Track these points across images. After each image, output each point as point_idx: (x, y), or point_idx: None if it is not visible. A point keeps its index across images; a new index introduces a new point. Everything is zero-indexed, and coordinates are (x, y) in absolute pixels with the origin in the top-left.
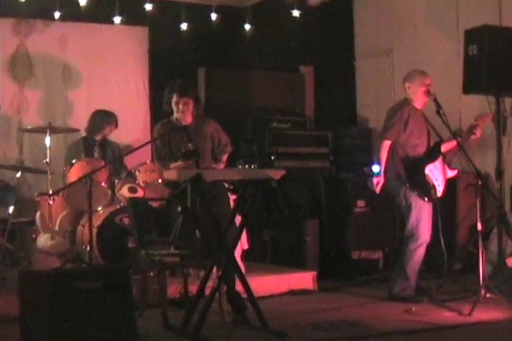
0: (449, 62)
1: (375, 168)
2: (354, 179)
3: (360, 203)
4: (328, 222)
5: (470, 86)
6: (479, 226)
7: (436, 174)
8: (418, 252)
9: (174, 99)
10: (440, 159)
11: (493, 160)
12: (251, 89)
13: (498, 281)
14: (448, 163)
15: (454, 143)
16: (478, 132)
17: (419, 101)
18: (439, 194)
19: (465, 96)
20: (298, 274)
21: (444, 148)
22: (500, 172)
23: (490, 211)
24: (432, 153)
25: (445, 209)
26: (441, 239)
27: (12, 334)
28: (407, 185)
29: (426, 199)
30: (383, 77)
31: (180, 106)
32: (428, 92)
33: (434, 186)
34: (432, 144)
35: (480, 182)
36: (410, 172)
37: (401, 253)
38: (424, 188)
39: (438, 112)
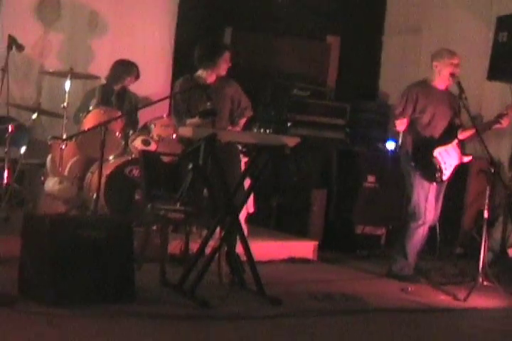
0: (476, 47)
1: (389, 145)
2: (367, 153)
3: (371, 178)
4: (336, 194)
5: (495, 72)
6: (486, 214)
7: (446, 157)
8: (419, 232)
9: (225, 55)
10: (454, 144)
11: (508, 149)
12: (275, 54)
13: (497, 269)
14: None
15: (473, 131)
16: (504, 122)
17: (441, 81)
18: (444, 177)
19: (488, 83)
20: (299, 242)
21: (462, 135)
22: None
23: (498, 199)
24: (446, 137)
25: (453, 193)
26: (437, 223)
27: (12, 276)
28: (412, 164)
29: (428, 180)
30: (409, 54)
31: (228, 63)
32: (453, 74)
33: (440, 168)
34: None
35: (492, 169)
36: (418, 151)
37: (403, 231)
38: (429, 169)
39: (460, 96)
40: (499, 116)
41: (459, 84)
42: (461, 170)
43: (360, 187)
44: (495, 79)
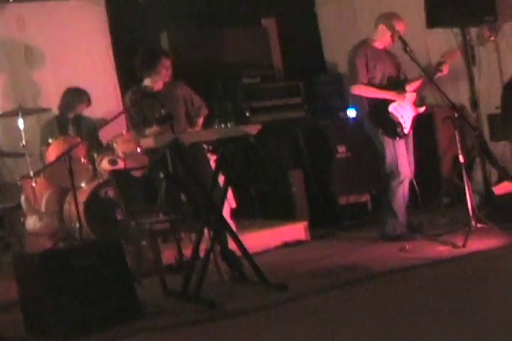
0: None
1: (351, 113)
2: (331, 125)
3: (341, 148)
4: (311, 171)
5: (433, 20)
6: (461, 158)
7: (401, 111)
8: (401, 188)
9: (163, 62)
10: (406, 95)
11: (467, 91)
12: (215, 47)
13: (487, 210)
14: (416, 100)
15: (419, 81)
16: (444, 69)
17: (382, 42)
18: (405, 131)
19: (430, 31)
20: (289, 226)
21: (410, 87)
22: (475, 103)
23: (470, 141)
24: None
25: (425, 144)
26: (414, 179)
27: (15, 319)
28: (372, 124)
29: (391, 136)
30: (345, 18)
31: (168, 69)
32: (394, 37)
33: (399, 123)
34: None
35: (456, 115)
36: (374, 110)
37: (386, 192)
38: (389, 126)
39: (405, 50)
40: (439, 65)
41: (401, 38)
42: (427, 120)
43: (333, 159)
44: (434, 26)
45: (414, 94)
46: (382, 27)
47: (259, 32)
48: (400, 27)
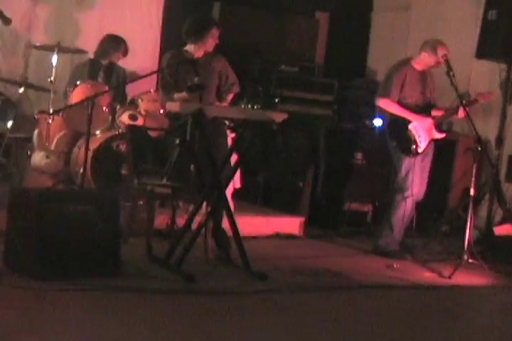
0: (465, 25)
1: (377, 122)
2: (355, 130)
3: (358, 155)
4: (323, 171)
5: (484, 51)
6: (472, 191)
7: (420, 131)
8: (404, 204)
9: (213, 31)
10: (428, 120)
11: (495, 128)
12: (264, 30)
13: (482, 247)
14: (438, 124)
15: (442, 111)
16: (461, 112)
17: (423, 65)
18: (419, 150)
19: (476, 62)
20: (286, 218)
21: (434, 112)
22: (500, 140)
23: (485, 177)
24: (421, 113)
25: (440, 171)
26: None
27: None
28: (390, 137)
29: (405, 152)
30: (398, 31)
31: (215, 39)
32: (439, 63)
33: (415, 141)
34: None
35: (479, 148)
36: (395, 125)
37: (389, 205)
38: (405, 142)
39: (448, 74)
40: (468, 102)
41: (447, 62)
42: (448, 147)
43: (348, 164)
44: (483, 57)
45: (433, 121)
46: (424, 54)
47: (311, 23)
48: (442, 54)
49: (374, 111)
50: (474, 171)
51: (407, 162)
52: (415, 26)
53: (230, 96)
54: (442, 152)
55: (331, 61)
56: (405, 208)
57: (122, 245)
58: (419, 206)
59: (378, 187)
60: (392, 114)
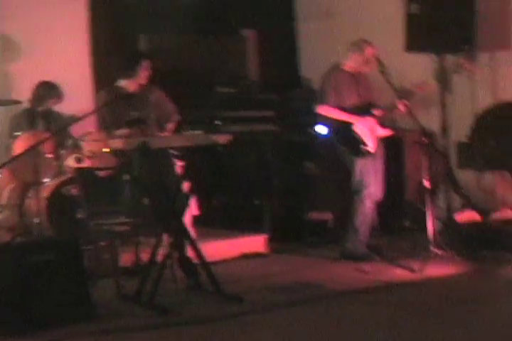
0: (392, 20)
1: (321, 129)
2: (302, 141)
3: (309, 165)
4: (278, 185)
5: (411, 44)
6: (427, 184)
7: (365, 131)
8: (365, 204)
9: (143, 64)
10: (371, 119)
11: (438, 118)
12: (194, 54)
13: (447, 237)
14: (381, 122)
15: (385, 110)
16: (400, 106)
17: (354, 66)
18: (370, 149)
19: (408, 55)
20: (250, 238)
21: (375, 111)
22: (444, 129)
23: (436, 167)
24: (363, 114)
25: (392, 168)
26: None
27: None
28: (336, 140)
29: (356, 154)
30: (325, 38)
31: (147, 72)
32: (369, 63)
33: (363, 142)
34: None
35: (426, 140)
36: (339, 128)
37: (350, 209)
38: (353, 143)
39: (381, 71)
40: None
41: (378, 60)
42: (395, 144)
43: (301, 175)
44: (412, 50)
45: (375, 120)
46: (353, 55)
47: (239, 42)
48: (369, 53)
49: (316, 119)
50: (425, 164)
51: (359, 163)
52: (342, 30)
53: (171, 125)
54: (391, 149)
55: (266, 76)
56: (365, 209)
57: (91, 288)
58: (379, 205)
59: (335, 193)
60: (334, 120)
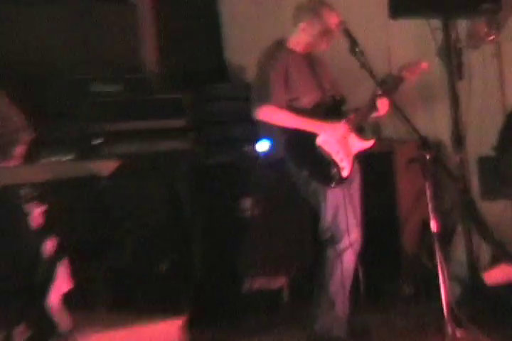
0: None
1: (261, 146)
2: (231, 165)
3: (244, 202)
4: (197, 237)
5: (399, 7)
6: (433, 225)
7: (336, 145)
8: (344, 259)
9: None
10: (342, 125)
11: (447, 121)
12: (43, 33)
13: (472, 309)
14: (357, 128)
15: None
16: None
17: (306, 43)
18: (344, 173)
19: (394, 25)
20: (155, 325)
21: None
22: (458, 139)
23: (448, 198)
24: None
25: (378, 199)
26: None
27: None
28: (293, 164)
29: (323, 182)
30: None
31: None
32: (329, 34)
33: (334, 162)
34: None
35: (428, 156)
36: (295, 143)
37: (320, 268)
38: (319, 165)
39: (353, 51)
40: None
41: (347, 33)
42: (382, 162)
43: (232, 218)
44: (400, 16)
45: (348, 126)
46: (303, 25)
47: (126, 13)
48: (330, 20)
49: (254, 129)
50: (429, 192)
51: (330, 196)
52: None
53: (19, 150)
54: (374, 170)
55: (170, 65)
56: (343, 267)
57: None
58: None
59: (289, 246)
60: (284, 129)
